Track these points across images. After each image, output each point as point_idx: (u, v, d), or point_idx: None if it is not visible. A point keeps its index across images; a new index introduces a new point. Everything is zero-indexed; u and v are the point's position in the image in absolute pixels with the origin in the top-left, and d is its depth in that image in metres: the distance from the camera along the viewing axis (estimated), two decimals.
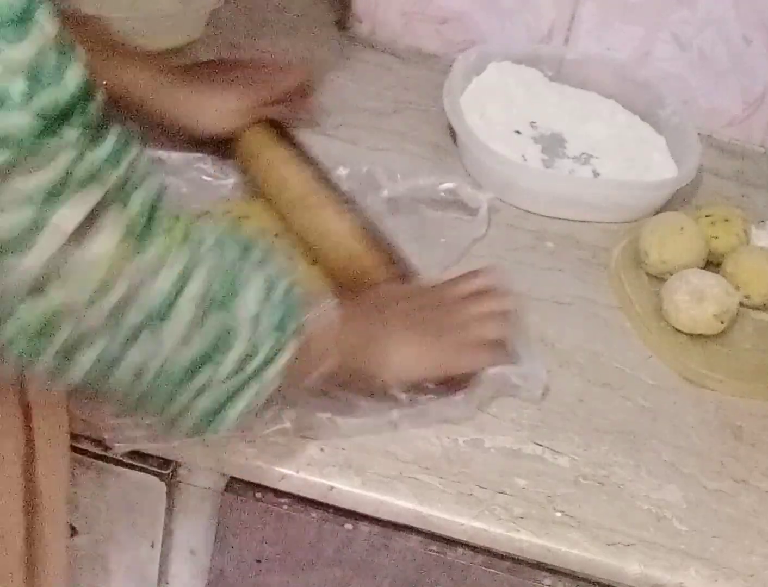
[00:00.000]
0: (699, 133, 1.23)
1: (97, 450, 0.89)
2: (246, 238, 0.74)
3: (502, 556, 0.87)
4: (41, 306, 0.62)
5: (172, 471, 0.89)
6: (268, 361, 0.73)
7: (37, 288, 0.62)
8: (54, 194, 0.60)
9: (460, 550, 0.88)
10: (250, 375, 0.73)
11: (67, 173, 0.60)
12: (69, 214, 0.61)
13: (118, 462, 0.90)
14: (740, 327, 1.06)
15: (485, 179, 1.16)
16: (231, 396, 0.73)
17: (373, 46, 1.35)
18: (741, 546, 0.87)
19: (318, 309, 0.80)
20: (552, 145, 1.23)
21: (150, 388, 0.69)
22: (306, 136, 1.16)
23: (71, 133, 0.60)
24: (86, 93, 0.61)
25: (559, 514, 0.86)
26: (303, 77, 1.14)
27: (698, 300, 1.02)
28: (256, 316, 0.72)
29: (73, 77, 0.60)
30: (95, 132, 0.62)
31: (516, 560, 0.87)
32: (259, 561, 0.91)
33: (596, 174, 1.21)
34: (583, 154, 1.23)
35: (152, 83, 1.03)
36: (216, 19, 1.29)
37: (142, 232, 0.64)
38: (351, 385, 0.87)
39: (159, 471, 0.89)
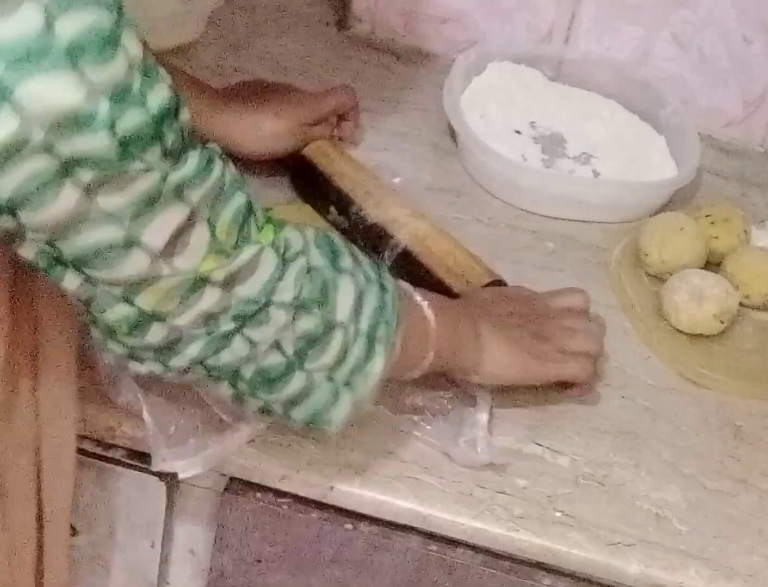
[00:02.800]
0: (699, 133, 1.23)
1: (98, 450, 0.89)
2: (335, 243, 0.74)
3: (502, 556, 0.87)
4: (133, 311, 0.65)
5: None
6: (359, 370, 0.74)
7: (128, 298, 0.64)
8: (140, 214, 0.61)
9: (460, 550, 0.88)
10: (343, 383, 0.74)
11: (151, 193, 0.61)
12: (156, 233, 0.62)
13: (118, 462, 0.90)
14: (740, 327, 1.06)
15: (485, 179, 1.16)
16: (326, 405, 0.74)
17: (373, 46, 1.35)
18: (741, 546, 0.87)
19: (413, 309, 0.80)
20: (552, 145, 1.23)
21: (248, 389, 0.72)
22: None
23: (154, 155, 0.61)
24: (170, 114, 0.62)
25: (559, 514, 0.86)
26: (344, 99, 1.13)
27: (698, 300, 1.02)
28: (347, 323, 0.72)
29: (157, 99, 0.61)
30: (178, 152, 0.63)
31: (516, 560, 0.87)
32: (259, 561, 0.91)
33: (596, 174, 1.21)
34: (583, 154, 1.23)
35: (192, 107, 1.03)
36: (216, 19, 1.29)
37: (229, 244, 0.66)
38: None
39: (159, 471, 0.89)
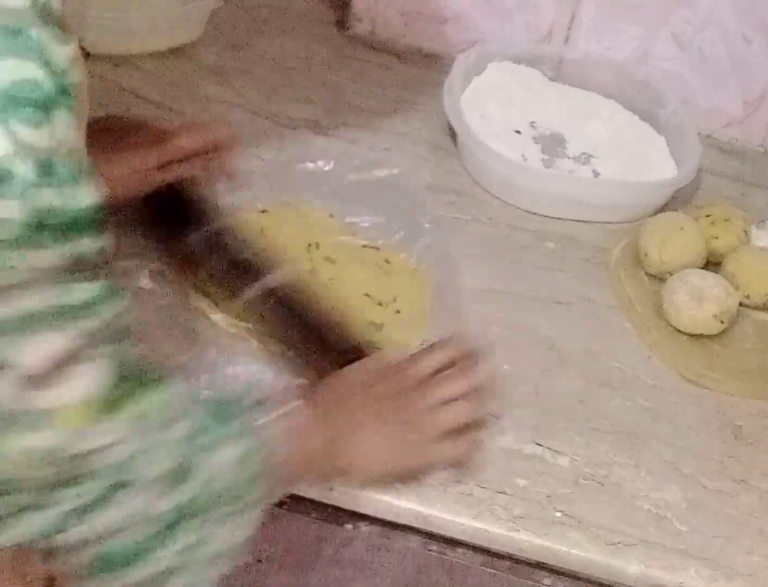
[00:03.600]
0: (699, 133, 1.23)
1: None
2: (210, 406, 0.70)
3: (502, 556, 0.87)
4: None
5: None
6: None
7: None
8: (22, 326, 0.57)
9: (460, 550, 0.88)
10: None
11: (41, 307, 0.57)
12: (32, 352, 0.58)
13: None
14: (740, 327, 1.06)
15: (485, 179, 1.16)
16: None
17: (373, 46, 1.35)
18: (741, 546, 0.87)
19: (281, 428, 0.75)
20: (552, 145, 1.23)
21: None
22: (306, 137, 1.16)
23: (60, 252, 0.57)
24: (92, 224, 0.59)
25: (559, 514, 0.86)
26: (211, 136, 1.00)
27: (698, 300, 1.02)
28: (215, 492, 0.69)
29: (86, 198, 0.58)
30: (85, 270, 0.59)
31: (516, 560, 0.87)
32: (259, 561, 0.91)
33: (596, 174, 1.21)
34: (583, 154, 1.23)
35: None
36: (216, 19, 1.29)
37: (108, 396, 0.62)
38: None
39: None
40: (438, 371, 0.85)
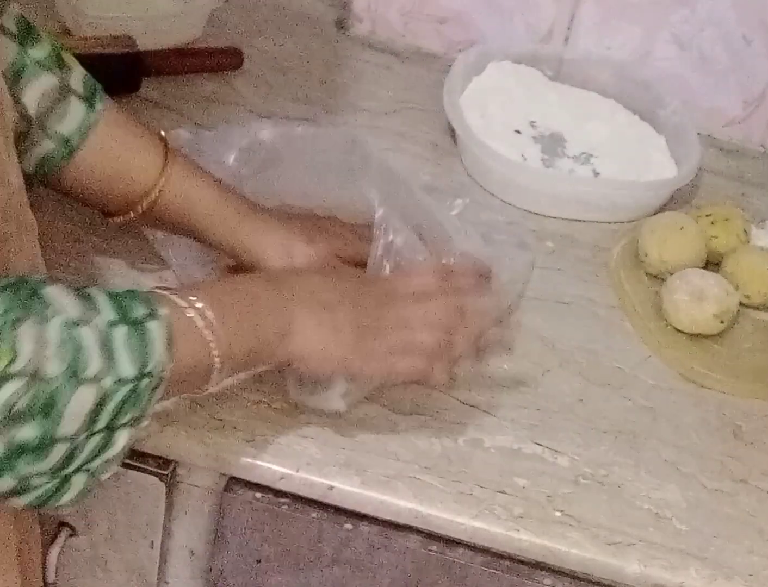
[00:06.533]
0: (699, 133, 1.23)
1: None
2: (83, 346, 0.65)
3: (502, 556, 0.87)
4: None
5: (171, 471, 0.89)
6: (93, 458, 0.68)
7: None
8: None
9: (460, 550, 0.88)
10: (71, 473, 0.68)
11: None
12: None
13: None
14: (740, 327, 1.06)
15: (485, 179, 1.16)
16: (49, 496, 0.68)
17: (373, 46, 1.35)
18: (741, 546, 0.87)
19: (185, 328, 0.72)
20: (552, 145, 1.23)
21: None
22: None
23: None
24: None
25: (558, 514, 0.86)
26: None
27: (698, 300, 1.02)
28: (77, 433, 0.66)
29: None
30: None
31: (516, 560, 0.87)
32: (258, 561, 0.91)
33: (596, 174, 1.21)
34: (583, 153, 1.23)
35: (213, 209, 0.92)
36: (216, 19, 1.29)
37: None
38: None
39: (158, 471, 0.89)
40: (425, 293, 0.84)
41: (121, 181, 0.89)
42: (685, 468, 0.92)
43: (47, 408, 0.64)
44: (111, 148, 0.89)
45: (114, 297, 0.69)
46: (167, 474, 0.89)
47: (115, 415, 0.68)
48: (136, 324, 0.68)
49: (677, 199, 1.19)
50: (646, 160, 1.22)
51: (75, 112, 0.87)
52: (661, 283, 1.07)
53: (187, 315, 0.73)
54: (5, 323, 0.62)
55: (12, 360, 0.62)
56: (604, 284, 1.09)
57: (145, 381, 0.68)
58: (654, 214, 1.16)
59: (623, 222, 1.16)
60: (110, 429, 0.68)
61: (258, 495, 0.88)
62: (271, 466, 0.85)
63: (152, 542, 0.94)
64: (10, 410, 0.62)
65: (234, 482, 0.88)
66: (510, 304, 1.01)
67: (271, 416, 0.88)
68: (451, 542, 0.87)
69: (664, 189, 1.18)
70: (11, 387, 0.62)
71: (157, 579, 0.96)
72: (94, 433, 0.67)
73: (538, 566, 0.87)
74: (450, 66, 1.24)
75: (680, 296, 1.03)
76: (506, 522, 0.85)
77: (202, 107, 1.18)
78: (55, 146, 0.86)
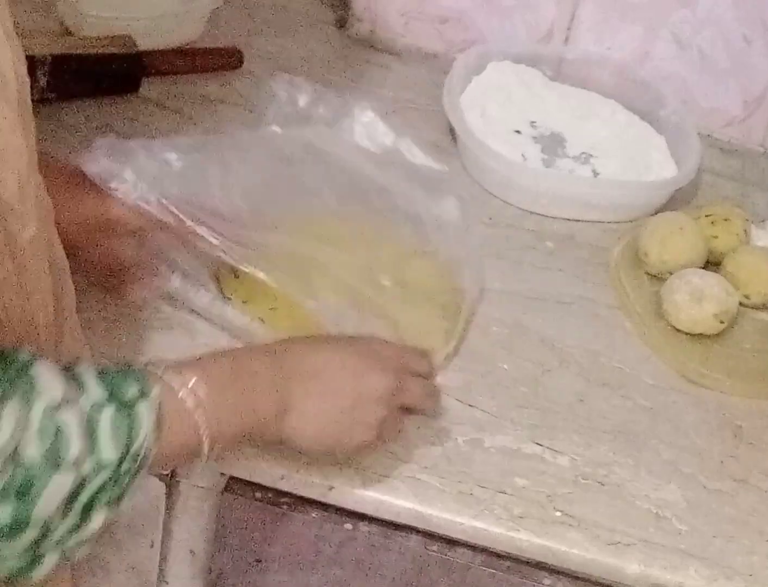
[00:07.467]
0: (699, 133, 1.23)
1: None
2: (62, 429, 0.64)
3: (502, 556, 0.87)
4: None
5: (171, 471, 0.89)
6: (68, 538, 0.66)
7: None
8: None
9: (460, 550, 0.88)
10: (46, 551, 0.66)
11: None
12: None
13: None
14: (740, 327, 1.05)
15: (485, 179, 1.16)
16: (21, 570, 0.66)
17: (373, 46, 1.35)
18: (741, 546, 0.87)
19: (174, 409, 0.70)
20: (552, 145, 1.23)
21: None
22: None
23: None
24: None
25: (559, 514, 0.86)
26: None
27: (698, 300, 1.02)
28: (51, 517, 0.64)
29: None
30: None
31: (516, 560, 0.87)
32: (258, 561, 0.91)
33: (596, 173, 1.21)
34: (583, 153, 1.23)
35: None
36: (216, 19, 1.29)
37: None
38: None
39: (158, 471, 0.89)
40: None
41: None
42: (685, 468, 0.92)
43: (23, 491, 0.63)
44: None
45: (105, 376, 0.68)
46: (167, 474, 0.89)
47: (93, 497, 0.66)
48: (124, 405, 0.67)
49: (677, 199, 1.19)
50: (646, 160, 1.22)
51: None
52: (661, 283, 1.07)
53: (179, 396, 0.71)
54: None
55: None
56: (604, 284, 1.09)
57: (127, 464, 0.67)
58: (654, 214, 1.16)
59: (623, 222, 1.16)
60: (87, 509, 0.67)
61: (258, 495, 0.88)
62: (271, 466, 0.85)
63: (152, 542, 0.94)
64: None
65: (234, 482, 0.88)
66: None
67: None
68: (451, 542, 0.87)
69: (664, 189, 1.18)
70: None
71: (157, 579, 0.96)
72: (69, 514, 0.66)
73: (538, 566, 0.87)
74: (450, 66, 1.24)
75: (680, 296, 1.03)
76: (506, 522, 0.85)
77: (202, 107, 1.18)
78: None
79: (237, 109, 1.19)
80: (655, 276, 1.08)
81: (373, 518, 0.87)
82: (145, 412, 0.68)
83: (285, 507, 0.88)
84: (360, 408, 0.81)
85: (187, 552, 0.95)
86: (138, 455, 0.67)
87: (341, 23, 1.36)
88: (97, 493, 0.66)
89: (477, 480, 0.87)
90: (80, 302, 0.77)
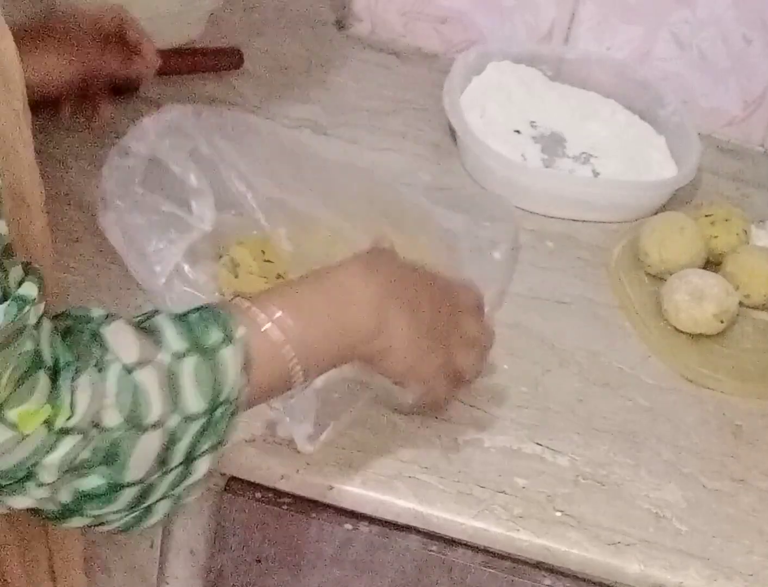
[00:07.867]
0: (699, 133, 1.23)
1: None
2: (140, 392, 0.63)
3: (502, 556, 0.87)
4: None
5: None
6: (174, 487, 0.68)
7: None
8: None
9: (460, 550, 0.88)
10: (153, 503, 0.67)
11: None
12: None
13: None
14: (740, 327, 1.06)
15: (485, 179, 1.16)
16: (134, 524, 0.68)
17: (373, 46, 1.35)
18: (741, 546, 0.87)
19: (260, 342, 0.70)
20: (552, 145, 1.23)
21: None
22: (306, 136, 1.16)
23: None
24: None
25: (559, 514, 0.86)
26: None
27: (698, 300, 1.02)
28: (146, 477, 0.65)
29: None
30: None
31: (516, 560, 0.87)
32: (258, 561, 0.91)
33: (596, 174, 1.21)
34: (583, 153, 1.23)
35: None
36: (216, 19, 1.29)
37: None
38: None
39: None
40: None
41: None
42: (685, 468, 0.92)
43: (110, 459, 0.63)
44: None
45: (185, 323, 0.67)
46: None
47: (192, 447, 0.66)
48: (207, 353, 0.66)
49: (677, 199, 1.19)
50: (646, 160, 1.22)
51: None
52: (661, 283, 1.07)
53: (267, 331, 0.70)
54: (65, 378, 0.61)
55: (70, 415, 0.61)
56: (604, 284, 1.09)
57: (220, 410, 0.67)
58: (654, 214, 1.16)
59: (623, 222, 1.16)
60: (189, 460, 0.67)
61: (258, 495, 0.88)
62: (271, 466, 0.85)
63: (152, 542, 0.94)
64: (70, 463, 0.62)
65: (234, 482, 0.88)
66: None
67: (272, 416, 0.88)
68: (451, 542, 0.87)
69: (664, 189, 1.18)
70: (70, 441, 0.61)
71: (157, 579, 0.97)
72: (171, 470, 0.66)
73: (538, 566, 0.87)
74: (450, 66, 1.24)
75: (680, 296, 1.03)
76: (506, 522, 0.85)
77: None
78: None
79: (237, 109, 1.19)
80: (655, 276, 1.08)
81: (373, 518, 0.87)
82: (230, 357, 0.67)
83: (285, 507, 0.88)
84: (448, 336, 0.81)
85: (187, 552, 0.95)
86: (229, 399, 0.67)
87: (341, 23, 1.36)
88: (195, 443, 0.66)
89: (477, 480, 0.87)
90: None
